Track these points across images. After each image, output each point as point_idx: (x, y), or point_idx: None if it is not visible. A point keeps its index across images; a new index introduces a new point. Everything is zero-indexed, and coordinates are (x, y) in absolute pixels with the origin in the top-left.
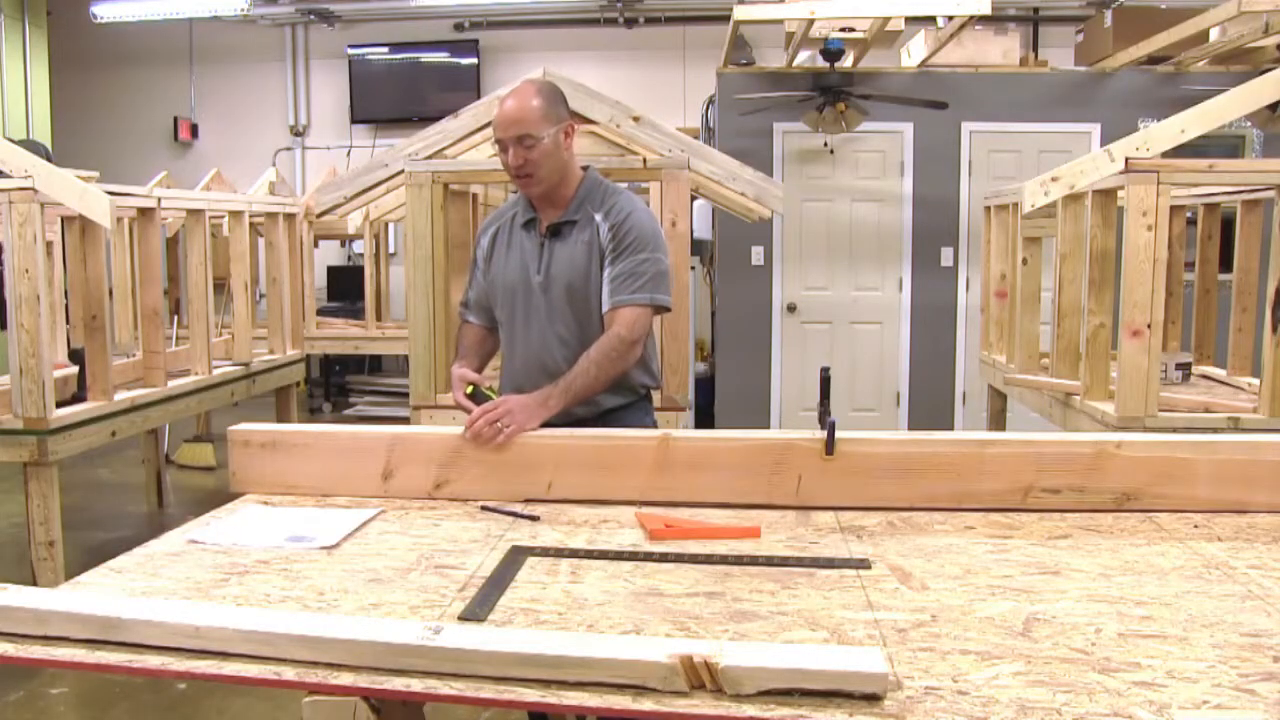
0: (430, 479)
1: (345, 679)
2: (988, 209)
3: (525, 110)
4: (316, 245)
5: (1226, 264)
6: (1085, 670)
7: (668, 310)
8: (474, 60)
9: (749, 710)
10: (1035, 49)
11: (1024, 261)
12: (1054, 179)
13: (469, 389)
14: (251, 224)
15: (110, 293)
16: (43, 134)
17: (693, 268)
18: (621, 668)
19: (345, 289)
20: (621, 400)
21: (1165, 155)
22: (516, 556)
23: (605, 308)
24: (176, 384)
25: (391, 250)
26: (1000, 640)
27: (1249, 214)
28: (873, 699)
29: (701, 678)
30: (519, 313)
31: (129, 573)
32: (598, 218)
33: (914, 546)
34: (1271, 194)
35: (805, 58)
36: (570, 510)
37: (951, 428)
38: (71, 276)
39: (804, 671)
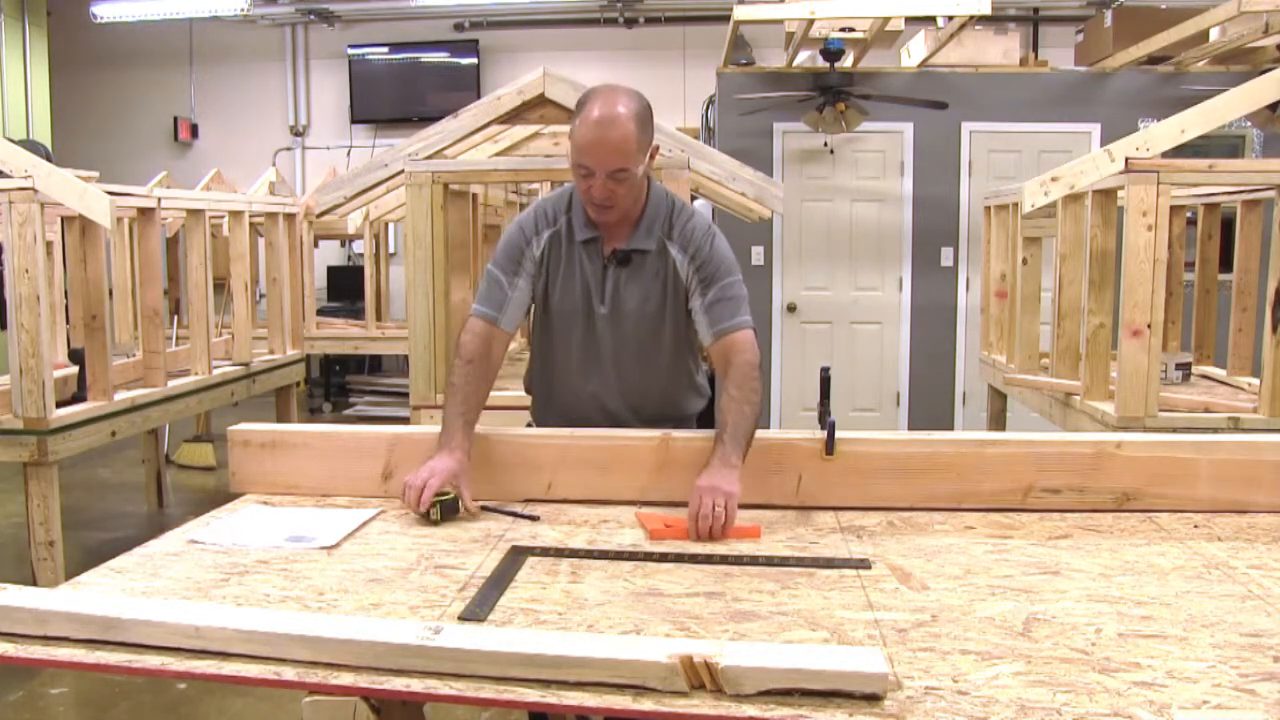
0: None
1: (345, 679)
2: (988, 209)
3: (625, 140)
4: (316, 245)
5: (1226, 264)
6: (1085, 670)
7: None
8: (474, 60)
9: (749, 710)
10: (1035, 49)
11: (1024, 261)
12: (1054, 179)
13: (436, 505)
14: (251, 224)
15: (110, 293)
16: (43, 134)
17: None
18: (621, 668)
19: (345, 289)
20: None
21: (1165, 155)
22: (516, 556)
23: (708, 340)
24: (176, 384)
25: (391, 250)
26: (1000, 640)
27: (1249, 214)
28: (873, 699)
29: (701, 678)
30: (576, 346)
31: (129, 573)
32: (673, 250)
33: (914, 546)
34: (1271, 194)
35: (805, 58)
36: (570, 510)
37: (951, 428)
38: (71, 276)
39: (804, 671)
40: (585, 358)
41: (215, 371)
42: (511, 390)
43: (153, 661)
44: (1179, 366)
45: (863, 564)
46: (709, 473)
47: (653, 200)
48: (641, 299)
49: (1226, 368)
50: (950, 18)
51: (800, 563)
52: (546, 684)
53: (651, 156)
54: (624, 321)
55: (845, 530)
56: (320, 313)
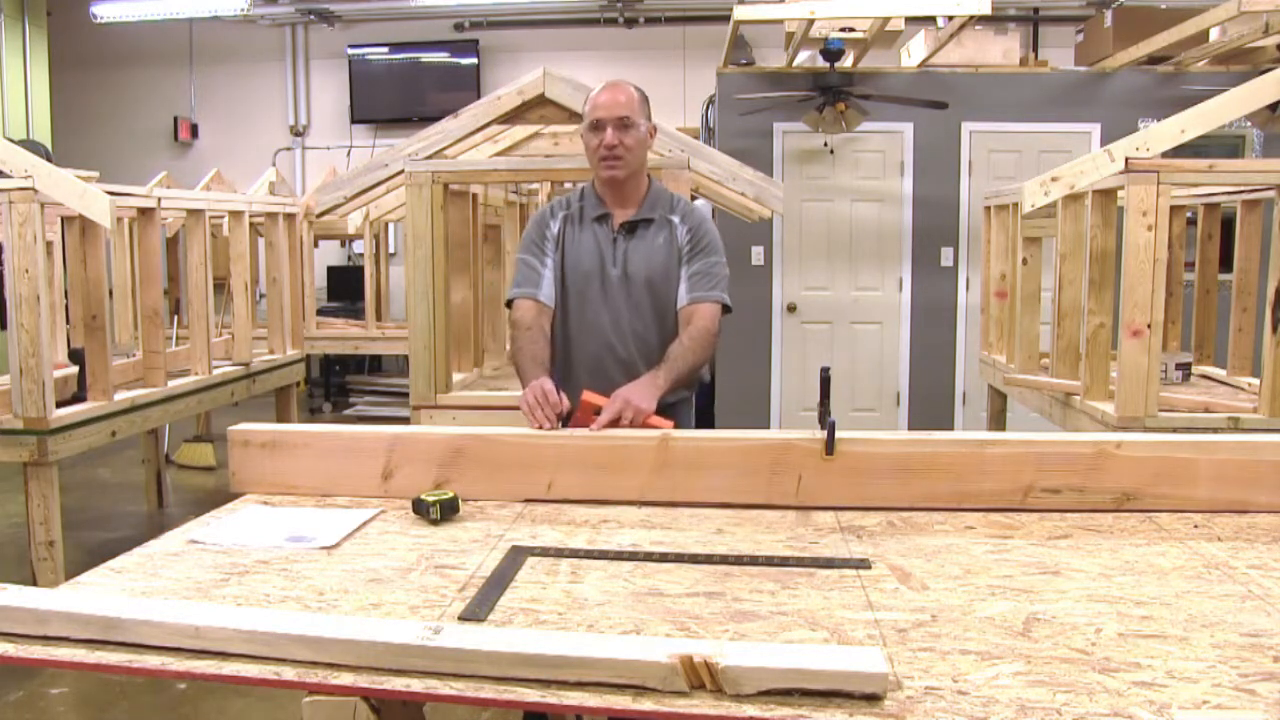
0: (430, 479)
1: (345, 679)
2: (988, 209)
3: (627, 96)
4: (316, 245)
5: (1226, 264)
6: (1085, 670)
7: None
8: (474, 60)
9: (749, 710)
10: (1035, 49)
11: (1024, 261)
12: (1054, 179)
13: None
14: (251, 224)
15: (110, 293)
16: (43, 134)
17: None
18: (621, 668)
19: (345, 289)
20: (681, 394)
21: (1165, 155)
22: (516, 556)
23: (683, 302)
24: (176, 384)
25: (391, 250)
26: (1000, 640)
27: (1249, 214)
28: (873, 699)
29: (701, 678)
30: (591, 301)
31: (129, 573)
32: (675, 220)
33: (914, 546)
34: (1271, 194)
35: (805, 58)
36: (570, 510)
37: (951, 428)
38: (71, 276)
39: (804, 671)
40: (600, 315)
41: (215, 371)
42: (511, 390)
43: (153, 661)
44: (1179, 366)
45: (863, 564)
46: (633, 385)
47: (654, 188)
48: (648, 261)
49: (1226, 368)
50: (950, 18)
51: (800, 563)
52: (546, 684)
53: (651, 135)
54: (635, 281)
55: (845, 530)
56: (320, 313)
